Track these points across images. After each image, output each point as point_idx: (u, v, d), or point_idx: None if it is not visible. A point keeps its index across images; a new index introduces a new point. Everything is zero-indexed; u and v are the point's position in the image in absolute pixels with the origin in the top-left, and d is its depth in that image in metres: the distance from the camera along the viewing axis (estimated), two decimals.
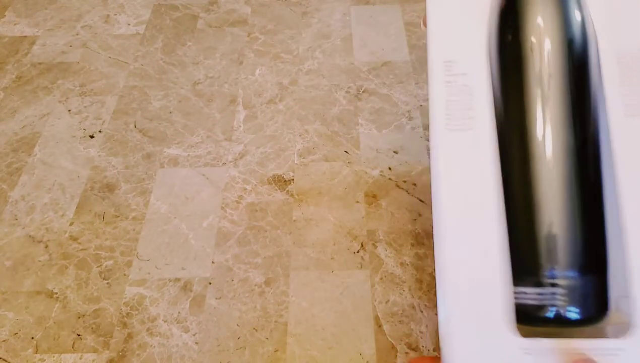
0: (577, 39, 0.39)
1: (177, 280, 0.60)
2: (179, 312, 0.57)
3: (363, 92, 0.81)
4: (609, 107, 0.36)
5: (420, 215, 0.65)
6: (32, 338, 0.56)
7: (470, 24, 0.38)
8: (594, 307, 0.33)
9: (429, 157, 0.72)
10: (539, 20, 0.38)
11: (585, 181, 0.36)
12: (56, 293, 0.59)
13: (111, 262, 0.62)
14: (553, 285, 0.33)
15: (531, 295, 0.33)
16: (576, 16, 0.39)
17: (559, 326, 0.33)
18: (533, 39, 0.38)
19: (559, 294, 0.33)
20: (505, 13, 0.38)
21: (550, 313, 0.32)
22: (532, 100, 0.36)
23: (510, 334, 0.31)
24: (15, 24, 0.96)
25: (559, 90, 0.37)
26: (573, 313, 0.33)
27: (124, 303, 0.58)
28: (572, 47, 0.38)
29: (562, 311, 0.32)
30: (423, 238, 0.63)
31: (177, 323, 0.56)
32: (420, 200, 0.67)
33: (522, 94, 0.36)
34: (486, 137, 0.34)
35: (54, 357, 0.54)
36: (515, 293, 0.32)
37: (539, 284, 0.33)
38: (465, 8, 0.37)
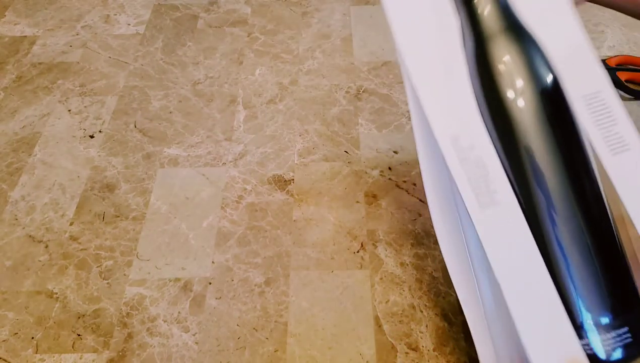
0: (552, 87, 0.40)
1: (177, 280, 0.60)
2: (179, 312, 0.57)
3: (363, 92, 0.81)
4: (597, 148, 0.38)
5: (420, 215, 0.65)
6: (32, 338, 0.56)
7: (457, 93, 0.37)
8: None
9: None
10: (514, 72, 0.39)
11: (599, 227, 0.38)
12: (56, 293, 0.59)
13: (111, 262, 0.62)
14: (614, 328, 0.36)
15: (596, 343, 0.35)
16: (544, 64, 0.40)
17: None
18: (513, 93, 0.38)
19: (622, 334, 0.35)
20: (482, 76, 0.38)
21: (618, 354, 0.35)
22: (533, 158, 0.38)
23: None
24: (15, 24, 0.96)
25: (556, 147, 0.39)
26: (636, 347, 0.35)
27: (124, 303, 0.58)
28: (552, 95, 0.39)
29: (628, 349, 0.35)
30: (423, 238, 0.63)
31: (177, 323, 0.56)
32: (420, 200, 0.67)
33: (521, 152, 0.38)
34: (514, 209, 0.37)
35: (54, 357, 0.54)
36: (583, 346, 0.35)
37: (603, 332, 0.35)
38: (448, 79, 0.38)
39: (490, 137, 0.38)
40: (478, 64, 0.38)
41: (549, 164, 0.38)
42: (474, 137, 0.38)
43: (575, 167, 0.38)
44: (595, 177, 0.39)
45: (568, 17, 0.40)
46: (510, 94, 0.38)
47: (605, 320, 0.36)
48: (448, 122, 0.38)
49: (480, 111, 0.38)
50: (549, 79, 0.39)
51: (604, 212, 0.38)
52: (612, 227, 0.39)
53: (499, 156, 0.38)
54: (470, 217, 0.36)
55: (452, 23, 0.39)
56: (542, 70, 0.39)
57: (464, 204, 0.36)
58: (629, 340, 0.35)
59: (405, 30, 0.38)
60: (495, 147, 0.38)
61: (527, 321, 0.35)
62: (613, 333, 0.35)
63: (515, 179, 0.38)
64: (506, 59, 0.38)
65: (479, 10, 0.39)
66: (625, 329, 0.36)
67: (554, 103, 0.39)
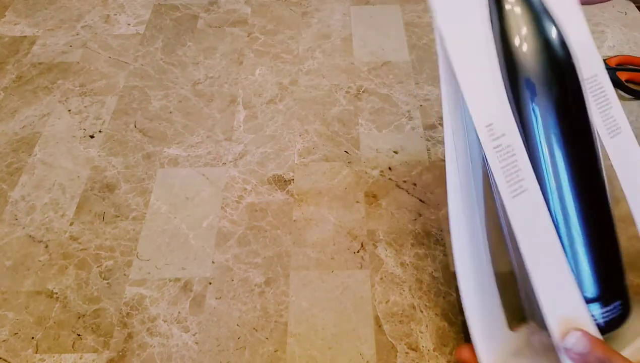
0: (571, 71, 0.41)
1: (177, 280, 0.60)
2: (179, 312, 0.57)
3: (363, 92, 0.81)
4: (599, 131, 0.41)
5: (420, 215, 0.65)
6: (32, 338, 0.56)
7: (487, 79, 0.38)
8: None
9: (429, 158, 0.72)
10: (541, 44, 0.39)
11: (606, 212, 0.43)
12: (56, 293, 0.59)
13: (111, 262, 0.62)
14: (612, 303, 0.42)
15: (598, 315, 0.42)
16: (563, 46, 0.41)
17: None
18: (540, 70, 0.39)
19: (616, 306, 0.42)
20: (507, 55, 0.39)
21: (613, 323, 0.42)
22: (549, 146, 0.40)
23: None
24: (15, 24, 0.96)
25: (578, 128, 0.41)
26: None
27: (124, 303, 0.58)
28: (575, 77, 0.40)
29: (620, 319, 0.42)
30: (423, 238, 0.63)
31: (177, 323, 0.56)
32: (421, 200, 0.67)
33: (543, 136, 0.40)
34: (538, 195, 0.39)
35: (54, 357, 0.54)
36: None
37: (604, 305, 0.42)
38: (480, 63, 0.38)
39: (517, 122, 0.39)
40: (503, 42, 0.39)
41: (568, 150, 0.41)
42: (505, 124, 0.39)
43: (587, 153, 0.41)
44: (600, 163, 0.42)
45: (572, 4, 0.43)
46: (533, 76, 0.38)
47: (604, 295, 0.42)
48: (485, 110, 0.38)
49: (508, 97, 0.39)
50: (569, 62, 0.40)
51: (604, 197, 0.42)
52: (610, 211, 0.43)
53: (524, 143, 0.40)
54: (503, 202, 0.39)
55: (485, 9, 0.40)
56: (562, 52, 0.40)
57: (498, 192, 0.39)
58: (621, 311, 0.42)
59: (449, 20, 0.39)
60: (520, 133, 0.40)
61: (544, 285, 0.39)
62: (610, 307, 0.42)
63: (533, 164, 0.40)
64: (527, 35, 0.39)
65: None
66: (618, 302, 0.42)
67: (572, 87, 0.40)
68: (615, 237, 0.43)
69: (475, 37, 0.40)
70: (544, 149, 0.40)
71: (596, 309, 0.41)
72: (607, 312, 0.41)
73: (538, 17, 0.40)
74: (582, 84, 0.40)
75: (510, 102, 0.39)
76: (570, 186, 0.41)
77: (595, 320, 0.41)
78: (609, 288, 0.42)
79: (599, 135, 0.42)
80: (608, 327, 0.41)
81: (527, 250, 0.40)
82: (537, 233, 0.39)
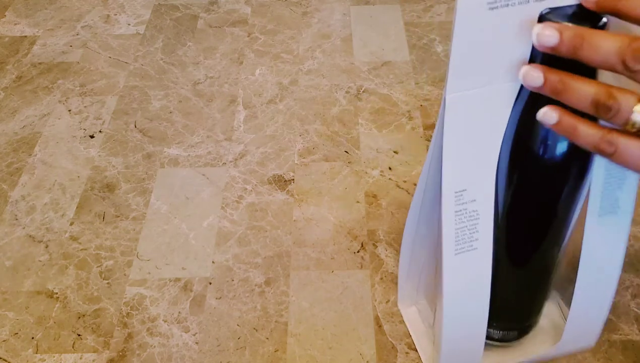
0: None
1: (178, 280, 0.60)
2: (179, 312, 0.57)
3: (363, 92, 0.81)
4: (589, 208, 0.41)
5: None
6: (33, 338, 0.56)
7: (482, 153, 0.37)
8: None
9: None
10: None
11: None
12: (56, 293, 0.59)
13: (111, 262, 0.62)
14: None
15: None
16: None
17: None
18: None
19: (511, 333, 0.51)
20: (518, 144, 0.37)
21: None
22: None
23: None
24: (15, 24, 0.96)
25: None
26: None
27: (124, 303, 0.58)
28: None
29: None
30: None
31: (178, 323, 0.56)
32: None
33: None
34: (487, 255, 0.41)
35: (54, 357, 0.54)
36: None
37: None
38: (479, 137, 0.37)
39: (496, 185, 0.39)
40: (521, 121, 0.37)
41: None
42: (479, 191, 0.39)
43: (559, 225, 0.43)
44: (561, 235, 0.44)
45: None
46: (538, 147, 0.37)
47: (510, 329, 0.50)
48: (460, 177, 0.38)
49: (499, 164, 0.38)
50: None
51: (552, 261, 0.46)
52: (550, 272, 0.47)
53: (497, 198, 0.40)
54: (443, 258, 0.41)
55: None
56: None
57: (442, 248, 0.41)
58: (515, 336, 0.51)
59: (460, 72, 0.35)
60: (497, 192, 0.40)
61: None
62: (507, 333, 0.51)
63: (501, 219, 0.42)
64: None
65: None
66: (516, 332, 0.51)
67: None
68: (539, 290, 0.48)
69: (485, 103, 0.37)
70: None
71: (495, 330, 0.50)
72: (504, 332, 0.50)
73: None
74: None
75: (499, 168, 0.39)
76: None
77: (491, 334, 0.49)
78: (514, 323, 0.51)
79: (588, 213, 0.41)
80: (502, 340, 0.51)
81: (449, 308, 0.43)
82: (466, 289, 0.43)
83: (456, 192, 0.39)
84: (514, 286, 0.48)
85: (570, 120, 0.31)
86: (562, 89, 0.30)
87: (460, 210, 0.39)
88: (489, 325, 0.46)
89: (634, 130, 0.29)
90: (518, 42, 0.31)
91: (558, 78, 0.30)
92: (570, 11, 0.30)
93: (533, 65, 0.31)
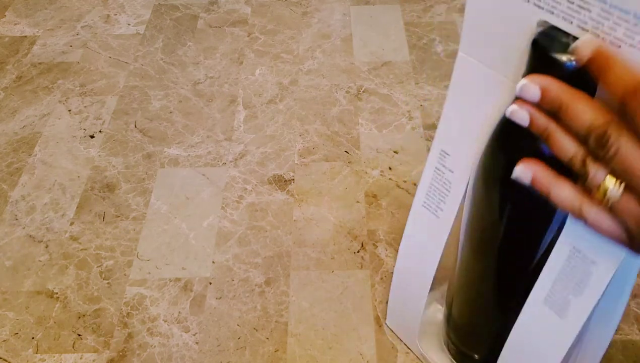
0: None
1: (178, 280, 0.60)
2: (179, 312, 0.57)
3: (363, 92, 0.81)
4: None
5: None
6: (33, 338, 0.56)
7: (474, 130, 0.36)
8: None
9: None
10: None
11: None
12: (56, 293, 0.59)
13: (111, 262, 0.62)
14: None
15: None
16: None
17: None
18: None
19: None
20: (498, 139, 0.35)
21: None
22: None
23: None
24: (15, 24, 0.96)
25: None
26: None
27: (124, 303, 0.58)
28: None
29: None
30: None
31: (178, 323, 0.56)
32: None
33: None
34: (444, 230, 0.42)
35: (54, 357, 0.54)
36: None
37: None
38: (475, 111, 0.36)
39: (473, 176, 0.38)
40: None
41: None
42: (458, 167, 0.39)
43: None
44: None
45: None
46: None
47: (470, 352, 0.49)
48: (450, 139, 0.39)
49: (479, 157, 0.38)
50: None
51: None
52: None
53: (468, 199, 0.40)
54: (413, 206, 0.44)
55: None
56: None
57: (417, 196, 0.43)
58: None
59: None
60: (469, 188, 0.39)
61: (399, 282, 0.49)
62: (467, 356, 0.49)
63: (469, 224, 0.41)
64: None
65: None
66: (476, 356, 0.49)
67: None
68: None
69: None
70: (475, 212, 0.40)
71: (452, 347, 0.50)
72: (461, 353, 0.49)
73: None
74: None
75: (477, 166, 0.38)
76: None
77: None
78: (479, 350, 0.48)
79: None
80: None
81: (403, 251, 0.48)
82: (420, 244, 0.45)
83: (441, 151, 0.39)
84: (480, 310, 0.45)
85: (544, 181, 0.29)
86: (545, 137, 0.29)
87: (439, 170, 0.40)
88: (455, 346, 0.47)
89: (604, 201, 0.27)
90: (521, 35, 0.31)
91: (544, 127, 0.28)
92: (563, 40, 0.29)
93: (520, 103, 0.29)
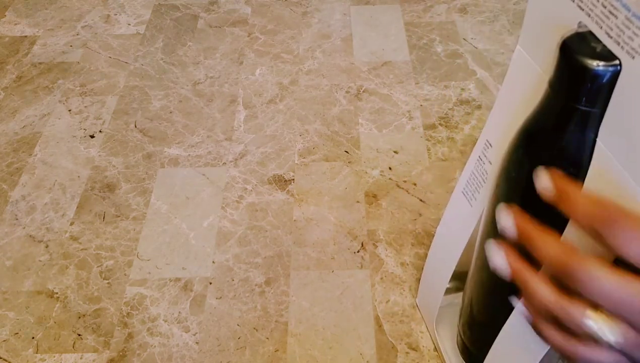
0: None
1: (178, 280, 0.60)
2: (179, 312, 0.57)
3: (363, 92, 0.81)
4: None
5: (420, 215, 0.65)
6: (33, 338, 0.56)
7: (516, 126, 0.36)
8: None
9: (429, 157, 0.72)
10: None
11: None
12: (57, 293, 0.59)
13: (112, 261, 0.62)
14: None
15: None
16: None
17: None
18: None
19: None
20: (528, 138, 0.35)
21: None
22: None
23: None
24: (15, 24, 0.96)
25: None
26: None
27: (124, 303, 0.58)
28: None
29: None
30: (423, 238, 0.63)
31: (178, 323, 0.57)
32: (421, 200, 0.67)
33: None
34: (472, 221, 0.43)
35: (54, 356, 0.54)
36: None
37: None
38: (521, 107, 0.36)
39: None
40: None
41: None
42: (497, 158, 0.39)
43: None
44: None
45: None
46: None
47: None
48: (495, 130, 0.39)
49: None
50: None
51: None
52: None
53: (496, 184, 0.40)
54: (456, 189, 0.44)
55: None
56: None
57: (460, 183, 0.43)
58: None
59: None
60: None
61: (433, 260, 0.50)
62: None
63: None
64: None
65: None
66: None
67: None
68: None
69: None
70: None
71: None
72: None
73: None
74: None
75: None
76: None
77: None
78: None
79: None
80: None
81: (438, 233, 0.49)
82: (451, 229, 0.46)
83: (486, 141, 0.39)
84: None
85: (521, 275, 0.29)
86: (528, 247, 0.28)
87: (481, 159, 0.40)
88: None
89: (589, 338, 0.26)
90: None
91: (525, 236, 0.28)
92: (592, 45, 0.28)
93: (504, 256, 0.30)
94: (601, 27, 0.27)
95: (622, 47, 0.26)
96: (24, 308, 0.58)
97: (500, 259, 0.30)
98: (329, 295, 0.58)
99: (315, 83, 0.83)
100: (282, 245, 0.63)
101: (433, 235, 0.63)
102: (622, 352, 0.25)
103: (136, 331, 0.56)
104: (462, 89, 0.81)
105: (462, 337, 0.49)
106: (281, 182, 0.69)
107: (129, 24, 0.95)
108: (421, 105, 0.79)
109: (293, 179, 0.70)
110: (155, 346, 0.55)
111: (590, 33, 0.28)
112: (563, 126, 0.31)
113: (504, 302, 0.42)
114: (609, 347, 0.25)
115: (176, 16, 0.96)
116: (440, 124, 0.76)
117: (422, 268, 0.59)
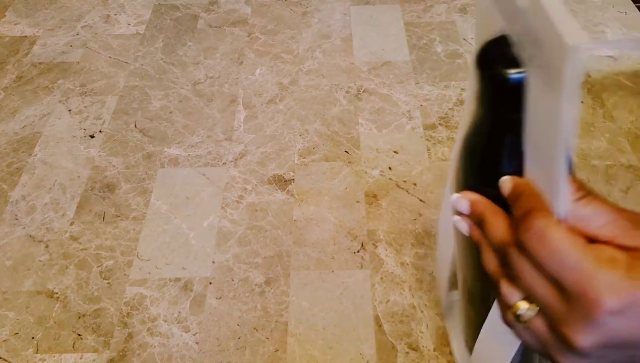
0: None
1: (178, 280, 0.60)
2: (179, 312, 0.57)
3: (363, 92, 0.81)
4: None
5: (420, 215, 0.65)
6: (33, 338, 0.56)
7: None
8: None
9: (429, 157, 0.72)
10: None
11: None
12: (56, 293, 0.59)
13: (111, 261, 0.62)
14: None
15: None
16: None
17: None
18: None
19: None
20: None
21: None
22: None
23: None
24: (15, 24, 0.96)
25: None
26: None
27: (124, 303, 0.58)
28: None
29: None
30: (423, 238, 0.63)
31: (178, 323, 0.57)
32: (421, 200, 0.67)
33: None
34: None
35: (54, 356, 0.54)
36: None
37: None
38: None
39: None
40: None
41: None
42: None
43: None
44: None
45: None
46: None
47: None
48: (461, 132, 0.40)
49: None
50: None
51: None
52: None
53: None
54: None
55: None
56: None
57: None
58: None
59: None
60: None
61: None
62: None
63: None
64: None
65: None
66: None
67: None
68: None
69: None
70: None
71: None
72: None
73: None
74: None
75: None
76: None
77: None
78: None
79: None
80: None
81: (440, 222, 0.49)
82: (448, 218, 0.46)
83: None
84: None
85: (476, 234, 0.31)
86: (478, 247, 0.30)
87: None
88: None
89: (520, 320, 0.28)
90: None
91: (477, 238, 0.30)
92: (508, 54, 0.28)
93: (464, 196, 0.31)
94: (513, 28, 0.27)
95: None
96: (24, 308, 0.58)
97: (464, 223, 0.32)
98: (329, 295, 0.58)
99: (315, 83, 0.83)
100: (282, 245, 0.63)
101: (433, 235, 0.63)
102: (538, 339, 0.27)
103: (136, 331, 0.56)
104: (462, 89, 0.81)
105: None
106: (281, 182, 0.69)
107: (129, 24, 0.95)
108: (421, 105, 0.79)
109: (293, 179, 0.70)
110: (155, 346, 0.55)
111: (504, 38, 0.28)
112: (486, 132, 0.32)
113: (484, 298, 0.43)
114: (530, 332, 0.27)
115: (176, 16, 0.96)
116: (440, 124, 0.76)
117: (422, 268, 0.59)
